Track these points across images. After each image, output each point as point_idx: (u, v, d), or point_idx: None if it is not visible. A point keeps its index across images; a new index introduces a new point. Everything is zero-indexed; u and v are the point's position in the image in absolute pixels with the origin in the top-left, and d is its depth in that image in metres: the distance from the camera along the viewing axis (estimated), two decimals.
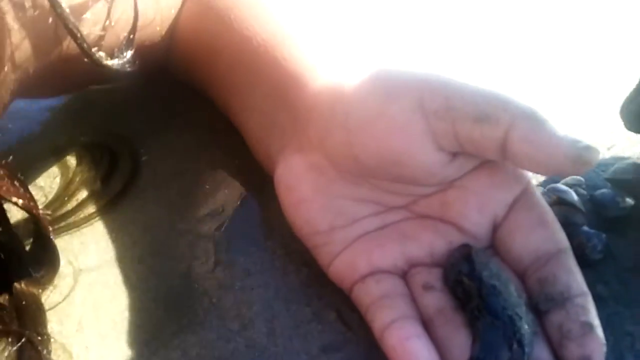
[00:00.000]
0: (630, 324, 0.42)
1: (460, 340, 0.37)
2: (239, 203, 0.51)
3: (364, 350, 0.42)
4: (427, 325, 0.39)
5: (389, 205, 0.43)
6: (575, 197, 0.46)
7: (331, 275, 0.44)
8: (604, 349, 0.36)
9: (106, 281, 0.47)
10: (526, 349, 0.35)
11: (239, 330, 0.44)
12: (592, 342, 0.36)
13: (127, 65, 0.49)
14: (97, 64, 0.46)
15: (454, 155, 0.40)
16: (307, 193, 0.43)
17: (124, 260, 0.49)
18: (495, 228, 0.41)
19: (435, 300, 0.40)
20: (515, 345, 0.35)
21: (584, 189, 0.48)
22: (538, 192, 0.42)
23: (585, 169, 0.37)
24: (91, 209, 0.52)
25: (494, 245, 0.41)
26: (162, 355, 0.43)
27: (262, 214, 0.50)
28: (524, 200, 0.41)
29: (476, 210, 0.41)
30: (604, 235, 0.45)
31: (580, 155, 0.36)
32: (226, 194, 0.52)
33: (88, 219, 0.51)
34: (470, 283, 0.38)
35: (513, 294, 0.38)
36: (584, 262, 0.44)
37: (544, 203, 0.41)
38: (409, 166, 0.40)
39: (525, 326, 0.36)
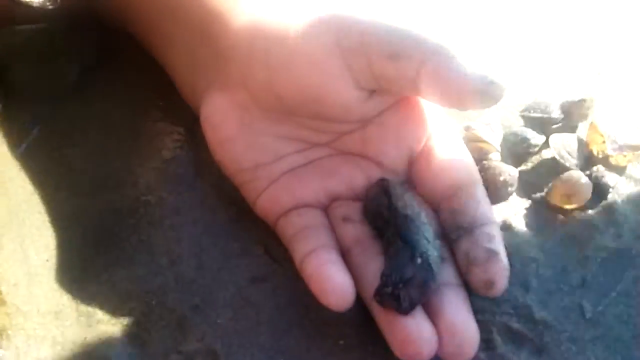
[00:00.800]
0: (536, 252, 0.45)
1: (375, 267, 0.39)
2: (170, 144, 0.52)
3: (289, 280, 0.44)
4: (345, 255, 0.41)
5: (311, 142, 0.45)
6: (489, 133, 0.49)
7: (257, 210, 0.45)
8: (507, 273, 0.39)
9: (33, 220, 0.47)
10: (432, 267, 0.38)
11: (168, 265, 0.45)
12: (496, 267, 0.39)
13: (48, 3, 0.48)
14: (16, 1, 0.45)
15: (371, 92, 0.41)
16: (231, 131, 0.44)
17: (50, 199, 0.49)
18: (411, 162, 0.43)
19: (353, 231, 0.42)
20: (419, 261, 0.37)
21: (498, 126, 0.50)
22: (453, 128, 0.44)
23: (492, 104, 0.39)
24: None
25: (410, 179, 0.43)
26: (92, 290, 0.44)
27: (194, 154, 0.51)
28: (438, 136, 0.43)
29: (393, 145, 0.43)
30: (516, 170, 0.47)
31: (486, 91, 0.38)
32: (157, 134, 0.52)
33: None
34: (386, 213, 0.40)
35: (423, 222, 0.40)
36: (497, 195, 0.47)
37: (458, 138, 0.44)
38: (327, 103, 0.41)
39: (433, 249, 0.39)
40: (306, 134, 0.44)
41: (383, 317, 0.38)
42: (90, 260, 0.46)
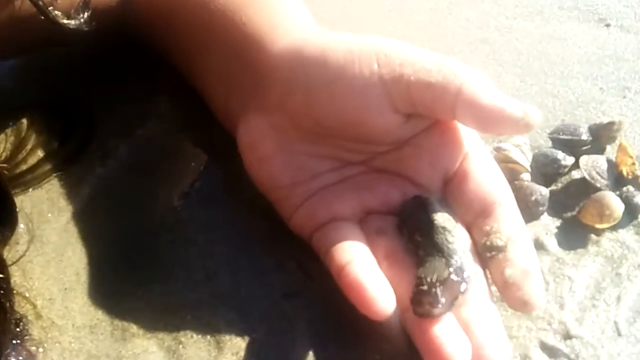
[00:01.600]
0: (569, 270, 0.45)
1: (408, 279, 0.40)
2: (202, 165, 0.53)
3: (323, 295, 0.44)
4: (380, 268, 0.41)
5: (347, 160, 0.45)
6: (520, 154, 0.49)
7: (292, 226, 0.45)
8: (543, 292, 0.39)
9: (67, 236, 0.48)
10: (466, 274, 0.38)
11: (203, 280, 0.46)
12: (532, 286, 0.39)
13: (83, 25, 0.49)
14: (53, 21, 0.46)
15: (409, 116, 0.42)
16: (268, 151, 0.45)
17: (84, 215, 0.49)
18: (446, 182, 0.44)
19: (387, 243, 0.42)
20: (454, 266, 0.38)
21: (528, 148, 0.51)
22: (486, 149, 0.45)
23: (527, 130, 0.40)
24: (47, 167, 0.52)
25: (446, 198, 0.44)
26: (127, 305, 0.44)
27: (226, 174, 0.52)
28: (473, 157, 0.44)
29: (428, 165, 0.44)
30: (546, 190, 0.48)
31: (522, 117, 0.39)
32: (189, 156, 0.53)
33: (44, 177, 0.51)
34: (424, 226, 0.41)
35: (460, 235, 0.40)
36: (529, 215, 0.47)
37: (491, 159, 0.44)
38: (366, 127, 0.42)
39: (468, 260, 0.39)
40: (342, 153, 0.45)
41: (417, 327, 0.38)
42: (125, 276, 0.46)
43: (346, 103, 0.41)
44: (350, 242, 0.42)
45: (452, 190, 0.43)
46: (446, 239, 0.40)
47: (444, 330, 0.37)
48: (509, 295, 0.39)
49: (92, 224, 0.49)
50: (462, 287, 0.38)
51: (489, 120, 0.39)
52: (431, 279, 0.38)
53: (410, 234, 0.42)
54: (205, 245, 0.47)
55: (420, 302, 0.37)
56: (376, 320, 0.38)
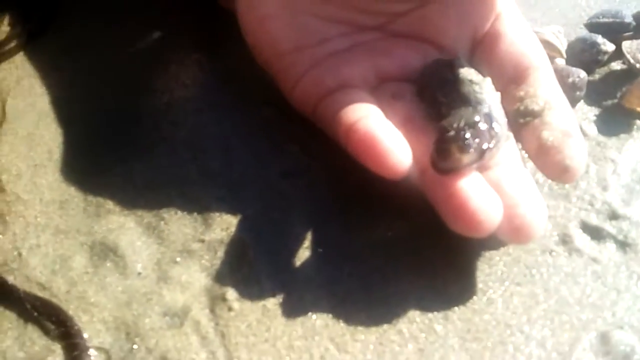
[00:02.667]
0: (613, 154, 0.39)
1: (426, 143, 0.33)
2: (193, 56, 0.47)
3: (327, 176, 0.38)
4: None
5: (360, 25, 0.40)
6: (554, 38, 0.44)
7: (295, 99, 0.40)
8: (585, 157, 0.33)
9: (41, 114, 0.42)
10: (495, 125, 0.32)
11: (190, 159, 0.40)
12: (573, 149, 0.33)
13: None
14: None
15: None
16: (270, 9, 0.39)
17: (60, 93, 0.44)
18: (475, 45, 0.38)
19: (405, 109, 0.36)
20: (484, 111, 0.32)
21: (563, 35, 0.45)
22: (519, 13, 0.39)
23: None
24: (13, 43, 0.46)
25: (474, 63, 0.38)
26: (103, 181, 0.39)
27: (220, 66, 0.46)
28: (506, 17, 0.38)
29: (455, 24, 0.38)
30: (584, 73, 0.42)
31: None
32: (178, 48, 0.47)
33: (11, 52, 0.46)
34: (449, 85, 0.35)
35: (490, 87, 0.35)
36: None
37: (525, 21, 0.39)
38: None
39: (498, 112, 0.33)
40: (354, 15, 0.39)
41: (438, 186, 0.32)
42: (103, 153, 0.40)
43: None
44: (360, 104, 0.36)
45: (482, 53, 0.38)
46: (474, 90, 0.34)
47: (470, 185, 0.31)
48: (546, 160, 0.33)
49: (69, 102, 0.43)
50: (492, 140, 0.32)
51: None
52: (458, 125, 0.31)
53: (433, 95, 0.36)
54: (194, 128, 0.42)
55: (445, 151, 0.31)
56: (390, 177, 0.32)
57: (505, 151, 0.34)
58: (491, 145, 0.32)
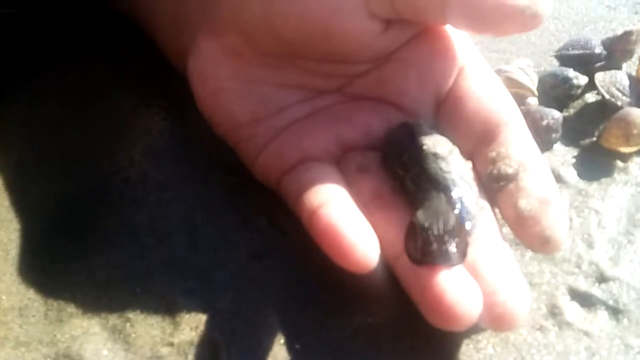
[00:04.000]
0: (596, 203, 0.37)
1: (398, 222, 0.32)
2: (152, 116, 0.44)
3: (300, 253, 0.36)
4: (364, 214, 0.33)
5: (319, 89, 0.37)
6: (524, 76, 0.42)
7: (257, 172, 0.38)
8: (566, 225, 0.31)
9: None
10: (471, 212, 0.30)
11: (154, 246, 0.38)
12: (552, 218, 0.31)
13: None
14: None
15: (389, 23, 0.35)
16: (223, 81, 0.37)
17: (14, 182, 0.41)
18: (439, 104, 0.36)
19: (372, 182, 0.34)
20: (458, 206, 0.30)
21: (532, 70, 0.43)
22: (484, 62, 0.37)
23: (535, 24, 0.32)
24: None
25: (439, 124, 0.36)
26: (63, 281, 0.36)
27: (178, 129, 0.44)
28: (469, 71, 0.36)
29: (416, 84, 0.36)
30: (559, 113, 0.40)
31: (529, 6, 0.31)
32: (136, 106, 0.45)
33: None
34: (411, 155, 0.33)
35: (458, 163, 0.32)
36: (540, 144, 0.39)
37: (490, 72, 0.36)
38: (337, 38, 0.34)
39: (471, 191, 0.31)
40: (312, 80, 0.37)
41: (412, 276, 0.30)
42: (62, 248, 0.38)
43: (311, 9, 0.33)
44: (323, 183, 0.34)
45: (447, 112, 0.36)
46: (440, 168, 0.32)
47: (446, 276, 0.29)
48: (524, 231, 0.31)
49: (20, 189, 0.41)
50: (470, 232, 0.30)
51: (487, 15, 0.31)
52: (438, 231, 0.29)
53: (396, 168, 0.34)
54: (156, 207, 0.39)
55: (424, 261, 0.29)
56: (357, 272, 0.30)
57: (481, 224, 0.32)
58: (469, 240, 0.30)
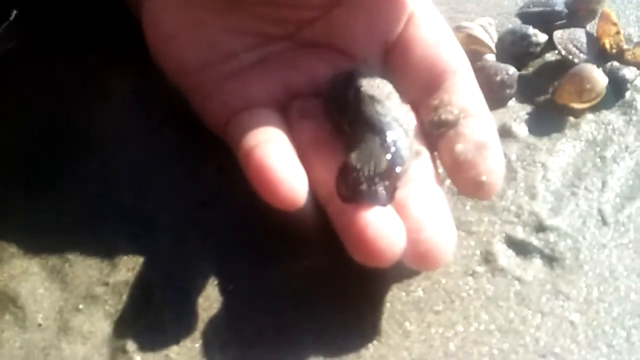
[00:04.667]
0: (543, 156, 0.37)
1: (334, 165, 0.31)
2: (108, 70, 0.44)
3: (247, 201, 0.35)
4: (301, 158, 0.32)
5: (268, 36, 0.37)
6: (483, 33, 0.41)
7: (206, 119, 0.37)
8: (502, 170, 0.31)
9: None
10: (403, 155, 0.30)
11: (102, 194, 0.38)
12: (487, 162, 0.30)
13: None
14: None
15: None
16: (174, 26, 0.37)
17: None
18: (387, 51, 0.36)
19: (312, 128, 0.34)
20: (392, 150, 0.30)
21: (493, 28, 0.43)
22: (434, 9, 0.36)
23: None
24: None
25: (387, 71, 0.36)
26: (6, 223, 0.36)
27: (134, 81, 0.43)
28: (419, 18, 0.36)
29: (364, 30, 0.36)
30: (514, 69, 0.40)
31: None
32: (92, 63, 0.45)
33: None
34: (350, 98, 0.32)
35: (396, 105, 0.32)
36: (494, 99, 0.39)
37: (441, 21, 0.36)
38: None
39: (405, 137, 0.31)
40: (261, 26, 0.37)
41: (340, 216, 0.30)
42: (9, 192, 0.38)
43: None
44: (263, 127, 0.33)
45: (395, 60, 0.35)
46: (376, 111, 0.31)
47: (370, 212, 0.29)
48: (459, 176, 0.31)
49: None
50: (400, 176, 0.30)
51: None
52: (369, 172, 0.29)
53: (334, 112, 0.34)
54: (107, 157, 0.39)
55: (353, 199, 0.29)
56: (284, 209, 0.30)
57: (417, 168, 0.31)
58: (398, 184, 0.29)
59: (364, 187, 0.29)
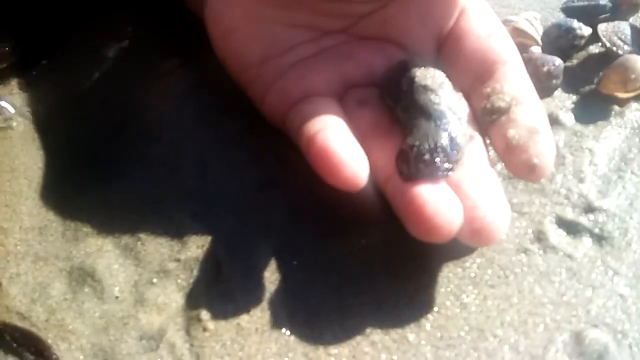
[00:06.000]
0: (590, 142, 0.38)
1: (392, 150, 0.33)
2: (171, 64, 0.47)
3: (304, 184, 0.38)
4: (361, 143, 0.34)
5: (326, 29, 0.39)
6: (529, 26, 0.43)
7: (265, 110, 0.39)
8: (553, 154, 0.32)
9: (19, 140, 0.42)
10: (457, 140, 0.32)
11: (166, 176, 0.40)
12: (539, 146, 0.32)
13: None
14: None
15: None
16: (235, 21, 0.39)
17: (38, 115, 0.44)
18: (440, 43, 0.38)
19: (371, 115, 0.36)
20: (449, 135, 0.32)
21: (539, 23, 0.44)
22: (486, 4, 0.38)
23: None
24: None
25: (441, 62, 0.38)
26: (80, 204, 0.39)
27: (195, 75, 0.46)
28: (471, 12, 0.37)
29: (418, 23, 0.37)
30: (560, 60, 0.41)
31: None
32: (156, 56, 0.47)
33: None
34: (405, 88, 0.34)
35: (449, 93, 0.34)
36: (541, 90, 0.40)
37: (492, 15, 0.38)
38: None
39: (458, 122, 0.33)
40: (319, 20, 0.39)
41: (399, 195, 0.31)
42: (80, 175, 0.40)
43: None
44: (323, 114, 0.35)
45: (447, 51, 0.37)
46: (430, 100, 0.33)
47: (428, 189, 0.30)
48: (512, 159, 0.32)
49: (48, 129, 0.43)
50: (456, 158, 0.32)
51: None
52: (429, 145, 0.31)
53: (391, 101, 0.35)
54: (170, 144, 0.42)
55: (416, 173, 0.31)
56: (347, 190, 0.32)
57: (470, 151, 0.33)
58: (454, 165, 0.31)
59: (426, 157, 0.31)
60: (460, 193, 0.31)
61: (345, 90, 0.38)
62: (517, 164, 0.32)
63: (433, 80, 0.34)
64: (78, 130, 0.43)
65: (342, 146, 0.32)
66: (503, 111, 0.34)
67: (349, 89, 0.38)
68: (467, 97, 0.36)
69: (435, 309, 0.32)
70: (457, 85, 0.36)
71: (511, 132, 0.33)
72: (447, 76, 0.36)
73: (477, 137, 0.34)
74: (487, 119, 0.35)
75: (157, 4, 0.49)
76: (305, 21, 0.39)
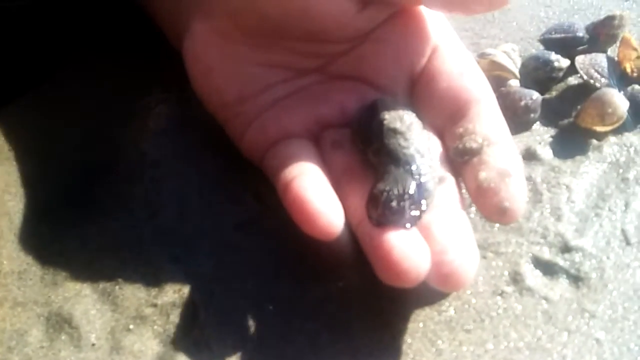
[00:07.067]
0: (567, 178, 0.38)
1: (363, 192, 0.33)
2: (153, 101, 0.47)
3: (282, 225, 0.38)
4: (334, 186, 0.34)
5: (301, 69, 0.39)
6: (507, 59, 0.43)
7: (244, 149, 0.40)
8: (524, 197, 0.32)
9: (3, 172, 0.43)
10: (427, 185, 0.32)
11: (146, 218, 0.40)
12: (510, 189, 0.32)
13: None
14: None
15: (365, 3, 0.36)
16: (213, 61, 0.39)
17: (19, 155, 0.44)
18: (413, 82, 0.38)
19: (343, 157, 0.36)
20: (418, 180, 0.32)
21: (517, 55, 0.44)
22: (459, 42, 0.38)
23: (502, 3, 0.33)
24: None
25: (414, 102, 0.38)
26: (59, 247, 0.39)
27: (175, 112, 0.46)
28: (443, 50, 0.37)
29: (391, 63, 0.38)
30: (538, 94, 0.41)
31: None
32: (138, 93, 0.47)
33: None
34: (372, 129, 0.34)
35: (418, 135, 0.34)
36: (518, 124, 0.41)
37: (465, 52, 0.38)
38: (316, 17, 0.36)
39: (427, 166, 0.33)
40: (294, 59, 0.39)
41: (369, 239, 0.31)
42: (60, 218, 0.40)
43: None
44: (299, 159, 0.35)
45: (421, 90, 0.37)
46: (399, 144, 0.33)
47: (396, 234, 0.30)
48: (483, 202, 0.32)
49: (30, 165, 0.43)
50: (425, 203, 0.32)
51: None
52: (398, 192, 0.31)
53: (362, 143, 0.35)
54: (150, 183, 0.42)
55: (385, 220, 0.31)
56: (322, 239, 0.32)
57: (441, 193, 0.33)
58: (422, 212, 0.31)
59: (394, 204, 0.31)
60: (429, 236, 0.31)
61: (320, 129, 0.38)
62: (488, 207, 0.32)
63: (402, 123, 0.34)
64: (56, 170, 0.43)
65: (317, 195, 0.32)
66: (475, 152, 0.34)
67: (324, 128, 0.38)
68: (441, 137, 0.36)
69: (411, 355, 0.32)
70: (431, 125, 0.37)
71: (482, 175, 0.33)
72: (417, 116, 0.36)
73: (450, 178, 0.34)
74: (460, 159, 0.35)
75: (137, 41, 0.49)
76: (280, 61, 0.39)
